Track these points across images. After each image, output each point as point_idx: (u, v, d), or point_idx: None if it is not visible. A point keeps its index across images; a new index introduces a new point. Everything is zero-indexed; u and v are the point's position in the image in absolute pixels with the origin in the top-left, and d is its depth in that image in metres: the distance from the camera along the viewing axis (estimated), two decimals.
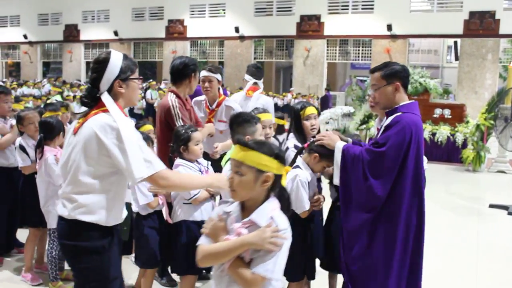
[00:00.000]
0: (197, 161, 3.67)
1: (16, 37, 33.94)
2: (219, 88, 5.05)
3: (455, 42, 24.84)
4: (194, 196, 3.53)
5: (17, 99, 8.06)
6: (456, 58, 24.74)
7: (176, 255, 3.63)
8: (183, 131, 3.63)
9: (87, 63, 32.96)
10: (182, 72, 4.26)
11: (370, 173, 3.06)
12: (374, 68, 3.30)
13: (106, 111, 2.54)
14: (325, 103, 23.29)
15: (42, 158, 4.18)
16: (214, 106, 5.01)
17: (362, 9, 24.68)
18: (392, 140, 3.04)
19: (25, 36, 33.38)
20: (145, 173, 2.47)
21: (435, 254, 5.48)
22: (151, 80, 30.03)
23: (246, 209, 2.13)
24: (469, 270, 5.22)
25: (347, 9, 24.97)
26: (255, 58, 27.65)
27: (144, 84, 23.06)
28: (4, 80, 28.57)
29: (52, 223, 4.22)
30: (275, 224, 2.04)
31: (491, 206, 7.88)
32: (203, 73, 4.85)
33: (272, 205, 2.11)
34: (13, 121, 4.84)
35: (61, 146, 5.22)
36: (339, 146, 3.21)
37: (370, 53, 24.85)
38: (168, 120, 4.16)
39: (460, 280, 5.00)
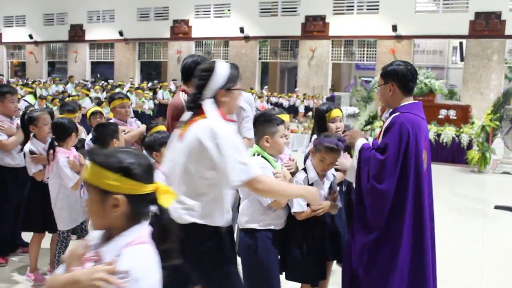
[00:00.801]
0: None
1: (21, 37, 34.06)
2: None
3: (461, 43, 24.78)
4: None
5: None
6: (462, 59, 24.68)
7: None
8: None
9: (92, 63, 33.07)
10: (193, 71, 4.24)
11: (374, 179, 3.10)
12: (384, 66, 3.36)
13: (203, 118, 2.68)
14: None
15: (54, 160, 4.12)
16: None
17: (367, 9, 24.65)
18: (390, 146, 3.08)
19: (30, 36, 33.49)
20: (242, 177, 2.56)
21: (440, 255, 5.46)
22: (156, 81, 30.16)
23: (111, 237, 1.69)
24: (475, 272, 5.20)
25: (352, 9, 24.94)
26: (259, 59, 27.65)
27: (149, 84, 23.15)
28: (10, 80, 28.63)
29: (61, 225, 4.20)
30: (117, 263, 1.59)
31: (496, 207, 7.84)
32: None
33: (132, 237, 1.65)
34: (19, 121, 4.78)
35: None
36: (358, 144, 3.25)
37: (375, 54, 24.80)
38: (179, 118, 4.15)
39: (465, 281, 4.98)
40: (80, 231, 4.46)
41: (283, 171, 3.33)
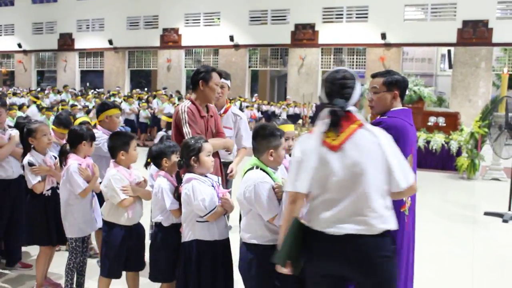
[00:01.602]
0: (206, 175, 3.50)
1: (10, 46, 33.90)
2: None
3: (449, 51, 24.99)
4: (211, 211, 3.34)
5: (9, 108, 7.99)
6: (450, 67, 24.88)
7: (185, 275, 3.48)
8: (193, 141, 3.51)
9: (82, 72, 32.96)
10: (192, 79, 4.24)
11: None
12: (377, 73, 3.45)
13: (361, 125, 2.65)
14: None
15: (65, 166, 4.08)
16: (221, 111, 5.03)
17: (356, 17, 24.82)
18: None
19: (19, 45, 33.34)
20: (410, 180, 2.65)
21: (430, 262, 5.47)
22: (145, 89, 30.10)
23: None
24: (465, 278, 5.21)
25: (342, 17, 25.10)
26: (249, 67, 27.70)
27: (140, 92, 23.08)
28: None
29: (69, 233, 4.11)
30: None
31: (486, 213, 7.88)
32: None
33: None
34: (13, 132, 4.69)
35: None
36: None
37: (365, 62, 24.95)
38: (177, 124, 4.13)
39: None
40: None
41: (284, 181, 3.26)
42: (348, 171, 2.59)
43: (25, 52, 33.62)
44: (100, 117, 4.97)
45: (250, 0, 26.59)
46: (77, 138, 4.16)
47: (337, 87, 2.71)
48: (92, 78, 35.33)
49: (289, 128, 3.85)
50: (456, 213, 8.05)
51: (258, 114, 24.84)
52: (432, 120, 12.72)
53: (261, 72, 34.16)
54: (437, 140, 12.02)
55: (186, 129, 4.03)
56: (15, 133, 4.69)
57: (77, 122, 5.72)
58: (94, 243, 5.26)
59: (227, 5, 26.99)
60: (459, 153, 11.75)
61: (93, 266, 4.71)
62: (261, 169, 3.21)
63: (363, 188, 2.58)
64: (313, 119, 21.98)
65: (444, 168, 11.89)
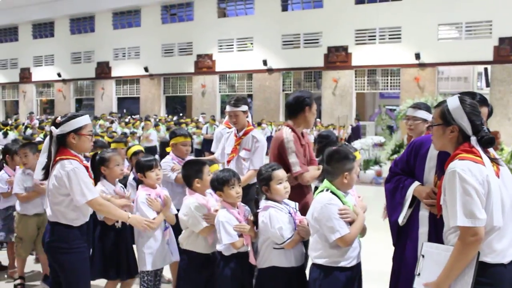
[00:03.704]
0: (283, 201, 3.49)
1: (50, 75, 34.98)
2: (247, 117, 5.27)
3: (485, 69, 24.55)
4: (288, 240, 3.34)
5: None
6: (487, 85, 24.42)
7: None
8: (264, 170, 3.50)
9: (119, 99, 33.65)
10: (295, 106, 4.22)
11: None
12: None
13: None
14: (356, 133, 23.19)
15: (136, 197, 4.13)
16: (241, 134, 5.13)
17: (390, 38, 24.70)
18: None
19: (59, 74, 34.36)
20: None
21: None
22: (181, 114, 30.43)
23: None
24: None
25: (374, 39, 25.01)
26: (283, 90, 27.80)
27: (175, 118, 23.37)
28: (38, 117, 29.27)
29: (141, 265, 4.04)
30: None
31: None
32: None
33: None
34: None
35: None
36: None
37: (399, 82, 24.73)
38: (281, 153, 4.09)
39: None
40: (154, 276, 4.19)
41: (356, 208, 3.30)
42: (509, 197, 2.61)
43: (64, 81, 34.60)
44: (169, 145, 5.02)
45: (283, 24, 26.80)
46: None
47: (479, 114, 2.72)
48: (128, 105, 36.01)
49: (358, 156, 3.85)
50: None
51: None
52: None
53: None
54: None
55: (293, 159, 3.99)
56: None
57: (130, 151, 5.57)
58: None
59: (259, 30, 27.28)
60: None
61: None
62: (331, 192, 3.24)
63: None
64: (351, 141, 21.84)
65: None
